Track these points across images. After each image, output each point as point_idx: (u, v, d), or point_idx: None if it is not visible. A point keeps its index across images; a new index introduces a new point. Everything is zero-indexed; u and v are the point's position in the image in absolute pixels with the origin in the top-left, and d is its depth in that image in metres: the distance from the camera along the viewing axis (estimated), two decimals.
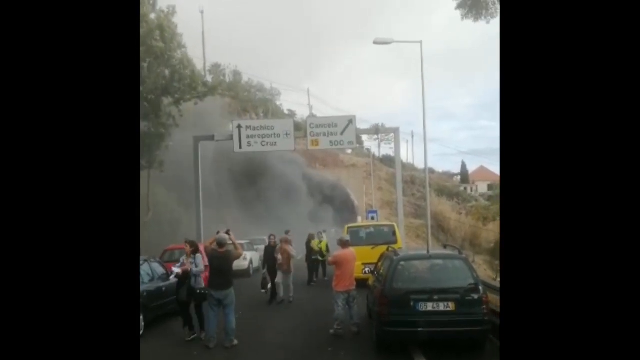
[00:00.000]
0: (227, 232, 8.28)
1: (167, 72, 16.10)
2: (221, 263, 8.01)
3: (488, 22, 11.97)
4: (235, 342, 7.93)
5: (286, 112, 52.81)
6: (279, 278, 12.15)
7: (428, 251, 8.21)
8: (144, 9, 14.98)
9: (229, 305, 8.00)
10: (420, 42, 17.17)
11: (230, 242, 8.21)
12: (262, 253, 14.18)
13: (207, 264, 8.49)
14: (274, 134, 18.37)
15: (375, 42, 17.14)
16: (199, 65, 19.98)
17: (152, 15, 15.79)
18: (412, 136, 68.02)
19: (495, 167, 67.59)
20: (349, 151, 44.00)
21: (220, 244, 8.09)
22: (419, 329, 6.61)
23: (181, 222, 23.09)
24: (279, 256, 12.02)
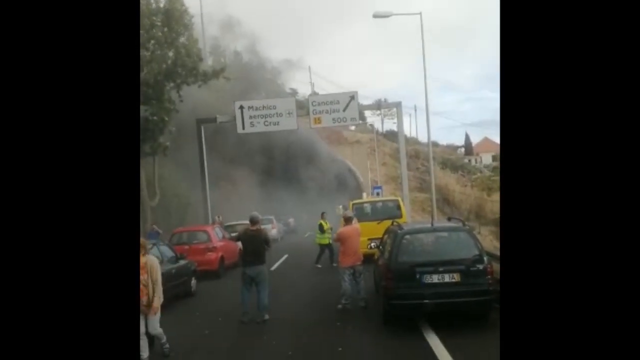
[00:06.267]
0: None
1: (170, 54, 16.02)
2: (254, 240, 8.32)
3: None
4: (267, 317, 8.15)
5: (288, 90, 52.44)
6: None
7: (432, 224, 8.27)
8: None
9: (262, 281, 8.28)
10: (420, 13, 17.16)
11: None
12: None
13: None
14: (277, 114, 18.36)
15: (374, 16, 17.07)
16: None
17: None
18: (415, 110, 67.56)
19: (499, 138, 66.98)
20: (352, 128, 43.81)
21: (253, 221, 8.44)
22: (425, 301, 6.70)
23: (189, 205, 23.30)
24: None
